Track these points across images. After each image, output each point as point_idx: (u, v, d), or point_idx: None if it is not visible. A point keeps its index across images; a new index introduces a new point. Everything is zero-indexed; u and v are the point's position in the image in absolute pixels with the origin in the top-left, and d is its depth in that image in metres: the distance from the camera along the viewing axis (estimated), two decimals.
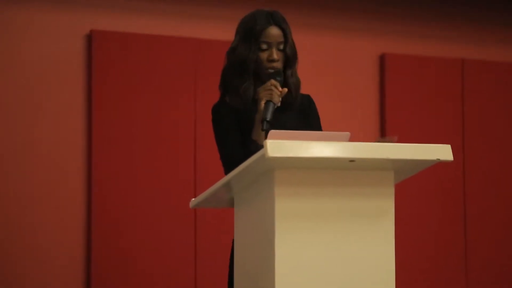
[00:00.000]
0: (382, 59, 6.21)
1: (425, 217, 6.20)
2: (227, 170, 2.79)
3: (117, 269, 5.30)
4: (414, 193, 6.08)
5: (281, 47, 2.88)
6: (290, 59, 2.91)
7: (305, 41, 5.85)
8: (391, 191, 2.47)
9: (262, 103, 2.75)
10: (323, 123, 3.04)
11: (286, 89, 2.81)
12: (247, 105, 2.87)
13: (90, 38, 5.33)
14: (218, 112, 2.90)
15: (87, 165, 5.31)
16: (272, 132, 2.33)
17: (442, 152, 2.43)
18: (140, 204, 5.38)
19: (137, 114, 5.40)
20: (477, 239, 6.32)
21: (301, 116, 2.95)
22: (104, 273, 5.27)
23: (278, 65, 2.87)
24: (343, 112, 6.05)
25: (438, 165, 2.71)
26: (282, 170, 2.31)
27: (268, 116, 2.70)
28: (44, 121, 5.23)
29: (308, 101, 3.01)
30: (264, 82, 2.86)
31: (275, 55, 2.86)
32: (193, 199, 2.62)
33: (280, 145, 2.21)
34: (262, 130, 2.68)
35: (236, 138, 2.84)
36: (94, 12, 5.39)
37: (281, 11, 2.93)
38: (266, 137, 2.33)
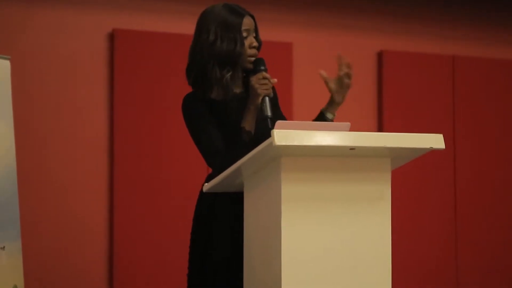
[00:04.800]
0: (380, 55, 6.18)
1: (417, 203, 6.17)
2: (211, 160, 2.67)
3: (140, 268, 5.14)
4: (407, 182, 6.05)
5: (254, 35, 2.78)
6: (260, 48, 2.81)
7: (306, 39, 5.76)
8: (388, 176, 2.47)
9: (260, 98, 2.64)
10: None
11: (276, 80, 2.70)
12: (229, 95, 2.75)
13: (112, 36, 5.28)
14: (195, 102, 2.75)
15: (110, 162, 5.18)
16: (279, 122, 2.33)
17: (435, 141, 2.44)
18: (163, 201, 5.23)
19: (158, 110, 5.28)
20: (467, 228, 6.30)
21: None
22: (127, 271, 5.11)
23: (257, 51, 2.77)
24: (343, 106, 5.97)
25: (431, 154, 2.69)
26: (288, 157, 2.31)
27: (270, 113, 2.62)
28: (67, 118, 5.12)
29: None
30: (247, 70, 2.77)
31: (255, 41, 2.77)
32: (206, 183, 2.60)
33: (286, 135, 2.21)
34: (269, 127, 2.55)
35: (216, 128, 2.70)
36: (117, 12, 5.34)
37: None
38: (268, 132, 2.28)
